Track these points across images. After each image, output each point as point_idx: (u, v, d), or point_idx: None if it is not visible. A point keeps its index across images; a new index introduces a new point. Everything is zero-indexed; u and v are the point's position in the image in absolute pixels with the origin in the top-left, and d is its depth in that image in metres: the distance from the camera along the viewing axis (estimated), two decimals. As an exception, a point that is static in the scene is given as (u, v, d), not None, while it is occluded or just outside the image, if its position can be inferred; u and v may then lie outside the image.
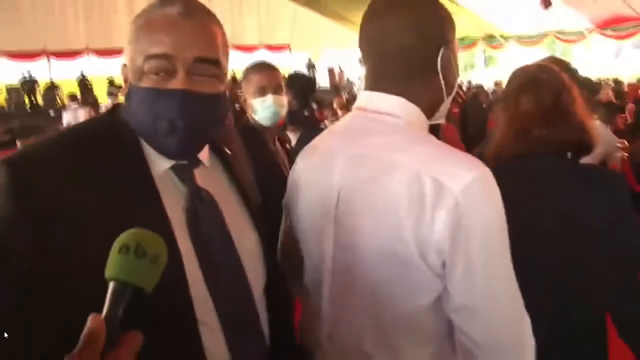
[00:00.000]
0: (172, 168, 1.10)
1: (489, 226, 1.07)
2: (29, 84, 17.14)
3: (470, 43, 20.74)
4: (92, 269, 0.80)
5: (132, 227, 0.82)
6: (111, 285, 0.76)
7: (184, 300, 1.01)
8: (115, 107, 1.14)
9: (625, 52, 20.47)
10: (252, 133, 2.48)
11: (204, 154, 1.16)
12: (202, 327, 1.04)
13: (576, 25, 16.61)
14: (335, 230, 1.20)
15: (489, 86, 16.89)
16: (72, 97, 10.75)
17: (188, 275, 1.02)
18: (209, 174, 1.17)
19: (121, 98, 1.18)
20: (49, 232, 0.93)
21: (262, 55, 22.04)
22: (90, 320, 0.71)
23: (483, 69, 25.45)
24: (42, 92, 17.23)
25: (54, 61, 18.32)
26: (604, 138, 5.61)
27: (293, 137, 3.46)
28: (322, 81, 22.81)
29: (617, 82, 17.99)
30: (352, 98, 16.59)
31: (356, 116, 1.25)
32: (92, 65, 18.74)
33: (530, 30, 18.09)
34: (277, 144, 2.66)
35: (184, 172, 1.11)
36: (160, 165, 1.08)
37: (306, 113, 3.96)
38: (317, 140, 1.32)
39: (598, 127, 5.61)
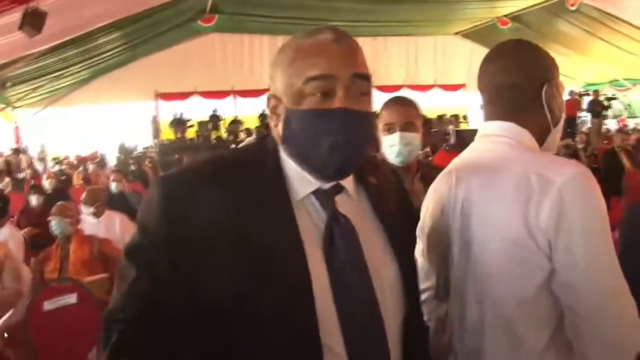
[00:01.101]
0: (314, 193, 1.13)
1: (589, 213, 1.26)
2: (215, 120, 18.84)
3: None
4: (221, 288, 1.00)
5: (266, 248, 0.99)
6: None
7: (311, 324, 1.03)
8: (266, 135, 1.22)
9: None
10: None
11: (348, 182, 1.18)
12: (326, 352, 1.04)
13: None
14: (460, 230, 1.45)
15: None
16: (248, 132, 11.54)
17: (318, 300, 1.04)
18: (351, 202, 1.18)
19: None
20: (186, 251, 1.03)
21: (437, 94, 22.04)
22: None
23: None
24: (226, 127, 18.80)
25: (239, 99, 20.11)
26: None
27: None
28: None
29: None
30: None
31: (477, 141, 1.53)
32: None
33: None
34: (417, 183, 2.39)
35: (326, 197, 1.13)
36: (301, 190, 1.12)
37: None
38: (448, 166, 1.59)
39: None
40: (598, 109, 16.81)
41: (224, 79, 19.09)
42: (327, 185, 1.14)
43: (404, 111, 2.36)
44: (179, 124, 18.19)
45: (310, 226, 1.10)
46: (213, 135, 18.58)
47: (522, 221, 1.28)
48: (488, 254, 1.37)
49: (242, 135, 14.73)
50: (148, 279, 1.04)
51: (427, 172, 2.39)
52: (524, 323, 1.33)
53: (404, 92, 15.85)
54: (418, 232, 1.59)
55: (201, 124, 18.62)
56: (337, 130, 1.06)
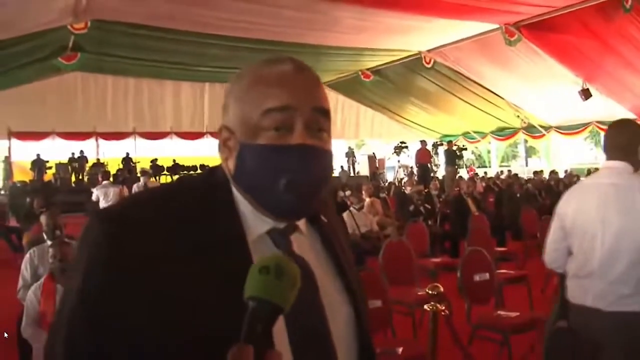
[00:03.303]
0: (268, 233, 1.04)
1: None
2: (79, 162, 18.00)
3: (510, 133, 20.76)
4: (176, 329, 0.88)
5: (221, 291, 0.90)
6: (250, 304, 0.80)
7: None
8: (214, 168, 1.11)
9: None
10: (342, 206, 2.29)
11: (301, 220, 1.11)
12: None
13: (617, 114, 16.45)
14: (602, 235, 2.47)
15: (529, 176, 16.72)
16: (105, 175, 11.05)
17: (276, 346, 0.93)
18: (305, 242, 1.11)
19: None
20: (134, 298, 0.91)
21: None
22: (236, 347, 0.75)
23: (524, 159, 25.35)
24: (88, 170, 18.03)
25: (101, 142, 19.40)
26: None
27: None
28: (362, 169, 23.27)
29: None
30: (382, 186, 17.03)
31: (602, 170, 2.68)
32: (138, 146, 19.78)
33: (570, 120, 18.03)
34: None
35: (281, 237, 1.05)
36: (256, 229, 1.03)
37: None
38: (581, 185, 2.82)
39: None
40: (451, 158, 18.15)
41: (85, 120, 18.31)
42: (282, 225, 1.05)
43: None
44: (40, 165, 17.15)
45: None
46: (73, 178, 17.67)
47: None
48: (625, 250, 2.40)
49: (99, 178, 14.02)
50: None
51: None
52: None
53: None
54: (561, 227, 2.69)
55: (59, 166, 17.67)
56: (296, 168, 0.98)
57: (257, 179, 1.00)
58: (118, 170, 17.10)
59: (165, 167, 19.51)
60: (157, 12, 11.50)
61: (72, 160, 18.10)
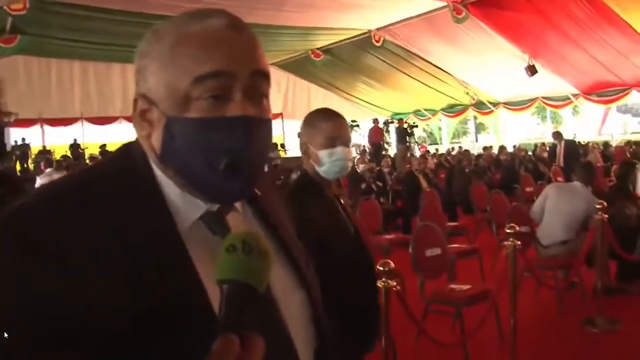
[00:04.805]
0: (201, 218, 0.90)
1: None
2: (22, 149, 17.41)
3: (460, 110, 21.07)
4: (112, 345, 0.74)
5: (163, 295, 0.77)
6: (224, 288, 0.73)
7: None
8: (127, 147, 0.93)
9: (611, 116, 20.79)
10: (311, 187, 2.22)
11: None
12: None
13: (562, 90, 16.93)
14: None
15: (479, 152, 17.05)
16: (48, 163, 10.66)
17: None
18: (241, 221, 0.97)
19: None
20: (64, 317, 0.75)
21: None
22: (220, 338, 0.68)
23: (474, 135, 25.83)
24: (33, 157, 17.47)
25: (47, 128, 18.77)
26: (584, 198, 5.57)
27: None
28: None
29: (606, 145, 18.24)
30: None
31: None
32: (86, 132, 19.27)
33: (518, 96, 18.42)
34: (339, 190, 2.34)
35: (216, 221, 0.91)
36: (187, 215, 0.88)
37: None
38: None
39: (577, 187, 5.67)
40: (402, 135, 18.32)
41: (29, 105, 17.58)
42: (215, 207, 0.91)
43: (346, 125, 2.29)
44: (-19, 153, 16.49)
45: (204, 258, 0.85)
46: (19, 167, 17.09)
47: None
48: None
49: (42, 166, 13.60)
50: None
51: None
52: None
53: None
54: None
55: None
56: (237, 144, 0.84)
57: (191, 159, 0.85)
58: (62, 157, 16.57)
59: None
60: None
61: (15, 148, 17.48)
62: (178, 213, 0.87)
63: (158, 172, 0.90)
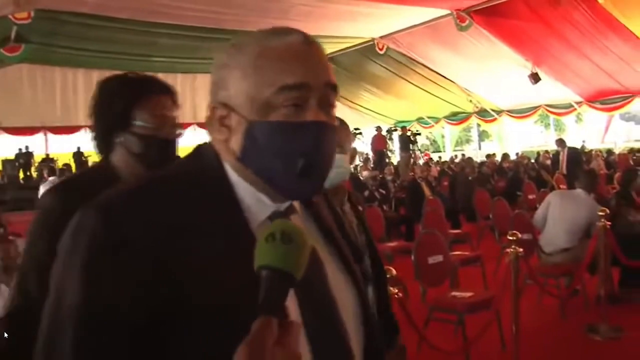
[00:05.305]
0: (269, 217, 0.97)
1: None
2: (24, 157, 17.45)
3: (463, 118, 21.08)
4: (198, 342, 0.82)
5: (237, 291, 0.83)
6: (263, 274, 0.77)
7: None
8: (199, 150, 1.02)
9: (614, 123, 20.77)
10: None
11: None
12: None
13: (565, 98, 16.94)
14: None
15: (482, 159, 17.03)
16: (51, 171, 10.66)
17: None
18: (301, 223, 1.03)
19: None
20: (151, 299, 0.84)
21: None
22: (258, 320, 0.71)
23: (477, 143, 25.80)
24: (36, 165, 17.52)
25: (50, 136, 18.82)
26: (587, 206, 5.56)
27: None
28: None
29: (609, 152, 18.20)
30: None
31: None
32: (89, 141, 19.25)
33: (521, 104, 18.42)
34: (347, 205, 2.32)
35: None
36: (258, 215, 0.97)
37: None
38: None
39: (580, 195, 5.66)
40: (406, 143, 18.32)
41: (33, 114, 17.68)
42: (283, 207, 1.00)
43: (343, 131, 2.23)
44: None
45: None
46: (22, 175, 17.15)
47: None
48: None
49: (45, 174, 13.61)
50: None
51: (351, 193, 2.38)
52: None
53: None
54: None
55: (6, 162, 17.10)
56: (312, 146, 0.93)
57: (272, 159, 0.94)
58: (64, 165, 16.61)
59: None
60: (105, 1, 11.20)
61: (18, 156, 17.53)
62: (249, 212, 0.96)
63: (232, 173, 0.98)
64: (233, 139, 0.96)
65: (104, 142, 1.76)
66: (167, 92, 1.76)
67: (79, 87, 18.72)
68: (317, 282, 0.99)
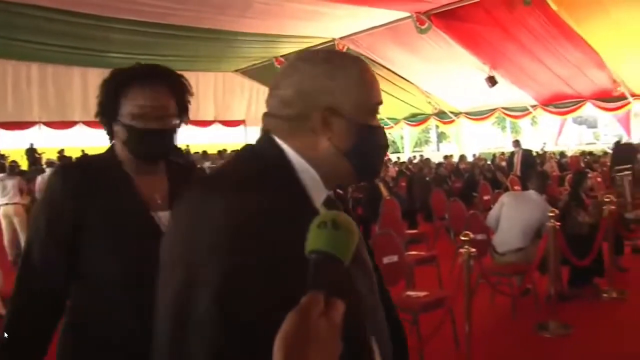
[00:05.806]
0: (324, 203, 1.16)
1: None
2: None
3: (423, 119, 21.34)
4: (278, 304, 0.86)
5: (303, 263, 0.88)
6: (312, 257, 0.84)
7: (362, 327, 1.09)
8: (251, 148, 1.18)
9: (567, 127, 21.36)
10: None
11: None
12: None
13: (521, 101, 17.32)
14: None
15: (440, 160, 17.27)
16: (2, 167, 10.28)
17: None
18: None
19: None
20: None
21: (217, 130, 22.35)
22: (309, 294, 0.81)
23: (436, 144, 26.15)
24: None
25: (3, 132, 18.28)
26: (539, 207, 5.69)
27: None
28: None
29: (562, 155, 18.69)
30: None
31: None
32: (43, 137, 18.82)
33: (478, 106, 18.75)
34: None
35: (333, 203, 1.20)
36: (318, 198, 1.14)
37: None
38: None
39: (532, 196, 5.80)
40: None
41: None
42: (331, 193, 1.22)
43: None
44: None
45: None
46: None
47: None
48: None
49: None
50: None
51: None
52: None
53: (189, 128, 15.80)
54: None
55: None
56: (386, 145, 1.22)
57: (372, 154, 1.17)
58: (12, 162, 16.15)
59: (73, 158, 18.50)
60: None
61: (-32, 151, 16.97)
62: (311, 196, 1.12)
63: (301, 163, 1.13)
64: (337, 137, 1.13)
65: (107, 130, 1.82)
66: (160, 82, 1.75)
67: (33, 81, 18.23)
68: (359, 253, 1.16)
